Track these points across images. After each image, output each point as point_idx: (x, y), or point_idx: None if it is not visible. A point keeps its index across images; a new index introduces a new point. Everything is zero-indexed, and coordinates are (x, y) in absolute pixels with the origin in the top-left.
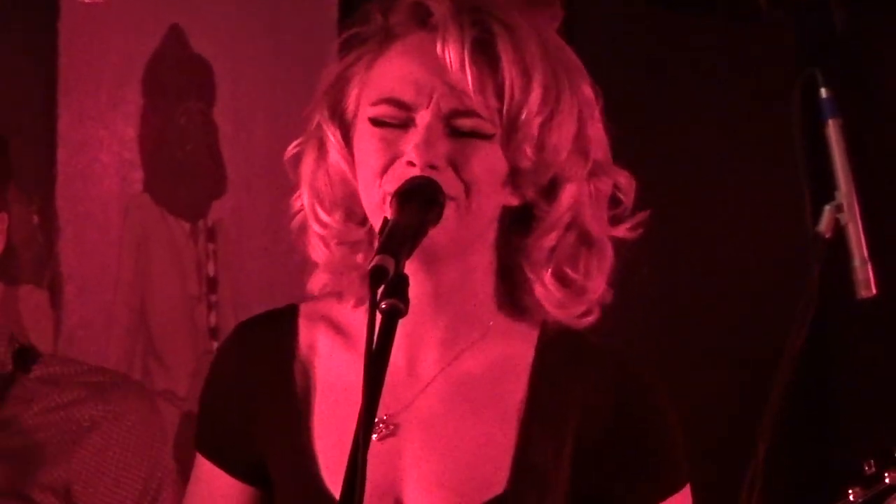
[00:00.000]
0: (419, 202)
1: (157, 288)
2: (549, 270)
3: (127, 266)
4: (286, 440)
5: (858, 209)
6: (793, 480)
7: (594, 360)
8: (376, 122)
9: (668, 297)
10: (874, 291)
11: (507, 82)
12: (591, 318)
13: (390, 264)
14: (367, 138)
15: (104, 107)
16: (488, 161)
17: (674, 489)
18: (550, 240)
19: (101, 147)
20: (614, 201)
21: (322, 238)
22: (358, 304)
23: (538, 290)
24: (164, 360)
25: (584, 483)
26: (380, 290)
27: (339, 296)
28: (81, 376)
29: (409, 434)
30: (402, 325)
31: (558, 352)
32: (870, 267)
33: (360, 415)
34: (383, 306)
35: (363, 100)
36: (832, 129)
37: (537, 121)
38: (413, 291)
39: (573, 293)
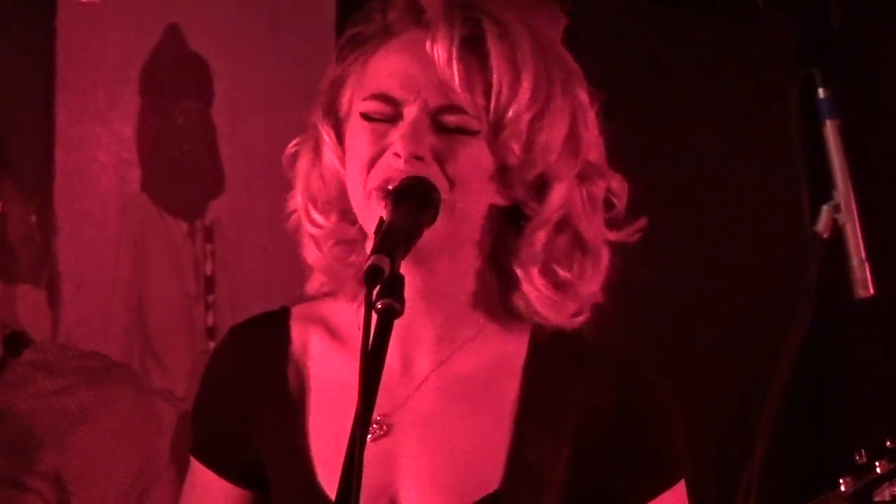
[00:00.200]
0: (413, 202)
1: (155, 287)
2: (537, 269)
3: (125, 265)
4: (282, 441)
5: (856, 209)
6: (791, 479)
7: (595, 359)
8: (366, 116)
9: (667, 297)
10: (872, 291)
11: (496, 78)
12: (581, 319)
13: (386, 264)
14: (357, 133)
15: (102, 106)
16: (474, 157)
17: (670, 485)
18: (539, 238)
19: (98, 146)
20: (610, 205)
21: (315, 239)
22: (352, 302)
23: (527, 289)
24: (161, 360)
25: (584, 482)
26: (375, 291)
27: (334, 296)
28: (74, 361)
29: (404, 434)
30: (396, 325)
31: (555, 351)
32: (867, 267)
33: (356, 415)
34: (379, 306)
35: (356, 97)
36: (830, 129)
37: (526, 117)
38: (405, 290)
39: (563, 293)
